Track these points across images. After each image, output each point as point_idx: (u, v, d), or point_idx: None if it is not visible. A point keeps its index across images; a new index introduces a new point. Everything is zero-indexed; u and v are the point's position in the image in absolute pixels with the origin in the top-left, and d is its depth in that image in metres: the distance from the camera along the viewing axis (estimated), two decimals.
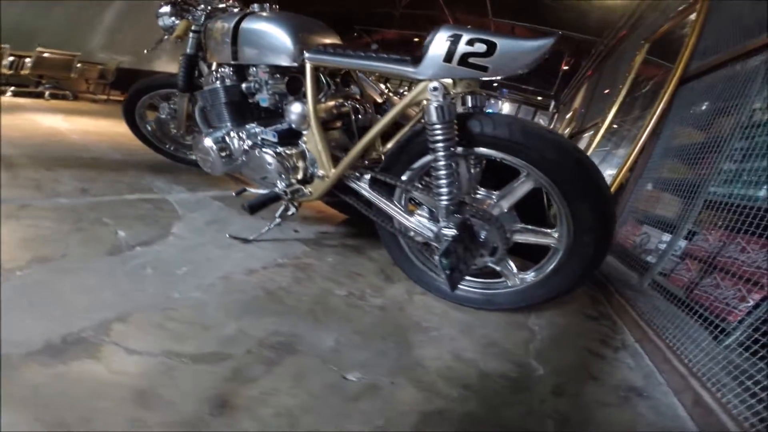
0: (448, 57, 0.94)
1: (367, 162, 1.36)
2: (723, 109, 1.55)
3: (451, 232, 0.96)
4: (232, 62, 1.43)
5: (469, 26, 0.95)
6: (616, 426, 0.88)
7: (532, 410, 0.88)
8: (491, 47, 0.89)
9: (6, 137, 2.31)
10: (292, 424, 0.72)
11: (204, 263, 1.25)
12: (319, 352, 0.94)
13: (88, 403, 0.69)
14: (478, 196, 1.20)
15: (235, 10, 1.57)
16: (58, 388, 0.71)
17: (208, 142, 1.44)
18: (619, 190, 2.22)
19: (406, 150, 1.20)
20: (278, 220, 1.47)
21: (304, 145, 1.37)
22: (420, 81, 1.02)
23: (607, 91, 4.03)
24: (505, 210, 1.15)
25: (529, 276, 1.20)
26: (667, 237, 1.71)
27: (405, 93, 1.19)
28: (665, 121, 2.07)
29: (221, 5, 1.62)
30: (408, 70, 1.03)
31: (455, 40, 0.92)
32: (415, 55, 1.01)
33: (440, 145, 0.99)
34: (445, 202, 1.05)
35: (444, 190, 1.04)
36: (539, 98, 10.30)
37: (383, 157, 1.33)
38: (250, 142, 1.42)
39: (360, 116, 1.45)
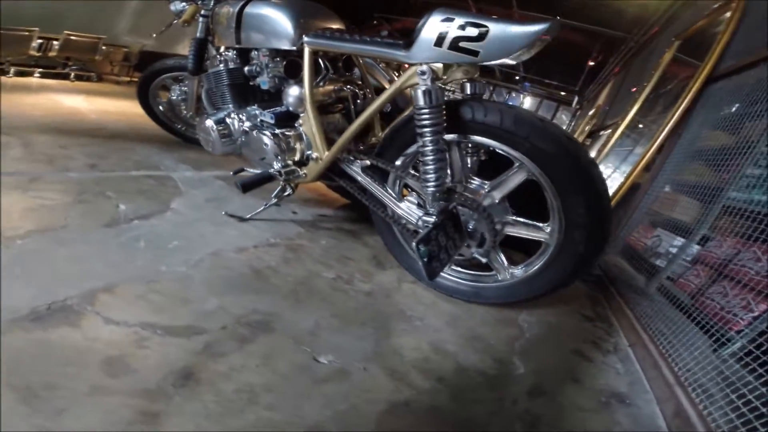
0: (439, 41, 0.91)
1: (362, 147, 1.35)
2: (751, 111, 1.45)
3: (431, 219, 0.93)
4: (236, 46, 1.46)
5: (464, 10, 0.91)
6: None
7: (502, 409, 0.85)
8: (483, 31, 0.85)
9: (28, 116, 2.42)
10: (251, 401, 0.73)
11: (196, 239, 1.27)
12: (294, 333, 0.94)
13: (55, 369, 0.71)
14: (472, 185, 1.17)
15: None
16: (32, 353, 0.73)
17: (209, 122, 1.47)
18: (633, 189, 2.13)
19: (400, 135, 1.18)
20: (274, 200, 1.49)
21: (300, 128, 1.37)
22: (412, 65, 0.99)
23: (634, 90, 3.85)
24: (497, 201, 1.11)
25: (519, 271, 1.17)
26: (679, 241, 1.64)
27: None
28: (688, 120, 1.97)
29: None
30: (399, 54, 1.00)
31: (447, 24, 0.89)
32: (408, 39, 0.99)
33: (427, 130, 0.97)
34: (431, 189, 1.03)
35: (431, 176, 1.01)
36: (562, 93, 9.96)
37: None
38: (249, 124, 1.44)
39: (359, 101, 1.44)
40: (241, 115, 1.46)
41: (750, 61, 1.58)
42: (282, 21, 1.30)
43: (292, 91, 1.34)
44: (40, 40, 4.38)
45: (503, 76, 10.84)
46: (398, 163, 1.23)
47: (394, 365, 0.92)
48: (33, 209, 1.24)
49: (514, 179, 1.08)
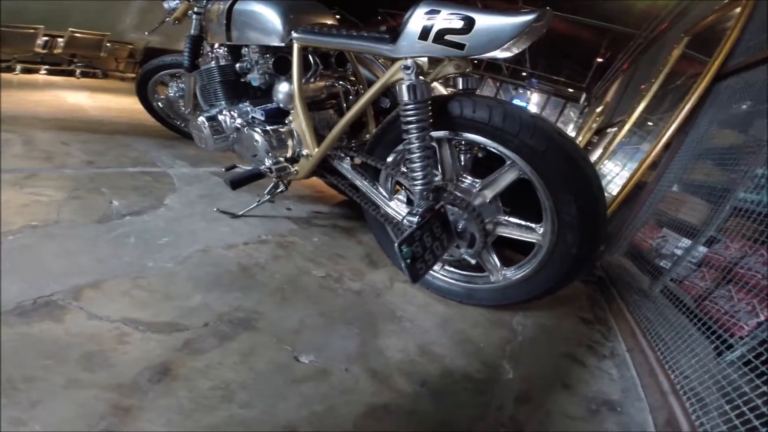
0: (424, 34, 0.88)
1: (353, 144, 1.33)
2: (761, 109, 1.40)
3: (414, 219, 0.91)
4: (227, 43, 1.45)
5: (452, 2, 0.88)
6: None
7: (485, 416, 0.83)
8: (469, 23, 0.82)
9: (32, 112, 2.46)
10: (226, 398, 0.72)
11: (186, 235, 1.27)
12: (276, 331, 0.93)
13: (34, 362, 0.71)
14: (464, 184, 1.14)
15: None
16: (14, 347, 0.73)
17: (201, 119, 1.46)
18: (639, 187, 2.08)
19: (390, 131, 1.16)
20: (267, 197, 1.48)
21: (291, 124, 1.36)
22: (397, 60, 0.97)
23: (643, 87, 3.77)
24: (488, 200, 1.08)
25: (511, 273, 1.13)
26: (685, 242, 1.59)
27: None
28: (696, 118, 1.91)
29: None
30: (384, 48, 0.98)
31: (433, 16, 0.86)
32: (394, 33, 0.96)
33: (413, 126, 0.94)
34: (418, 187, 1.00)
35: (418, 174, 0.99)
36: (570, 90, 9.80)
37: None
38: (241, 121, 1.43)
39: (351, 97, 1.42)
40: (232, 112, 1.46)
41: (760, 58, 1.52)
42: (271, 17, 1.29)
43: (282, 88, 1.33)
44: (45, 38, 4.44)
45: (510, 73, 10.73)
46: (389, 160, 1.21)
47: (377, 367, 0.90)
48: (27, 205, 1.25)
49: (506, 178, 1.05)
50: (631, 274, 1.70)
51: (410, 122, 0.94)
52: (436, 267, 1.24)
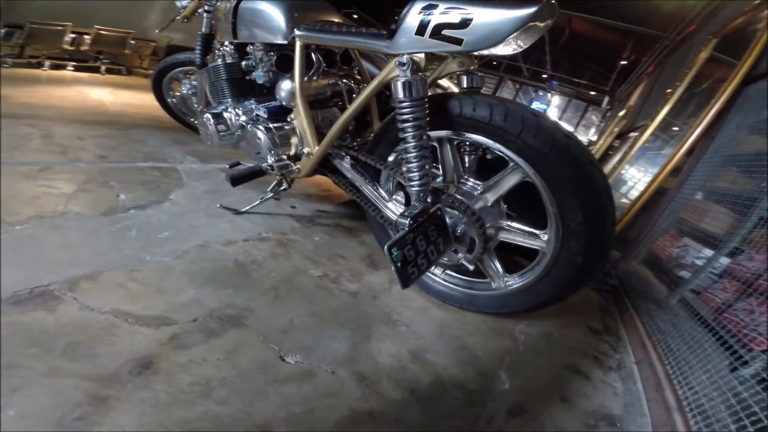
0: (421, 29, 0.85)
1: (355, 143, 1.31)
2: None
3: (406, 221, 0.88)
4: (234, 41, 1.46)
5: None
6: None
7: (474, 428, 0.79)
8: (467, 17, 0.79)
9: (54, 108, 2.55)
10: (204, 394, 0.71)
11: (187, 230, 1.28)
12: (265, 330, 0.92)
13: (20, 350, 0.72)
14: (465, 186, 1.10)
15: None
16: (4, 335, 0.74)
17: (207, 115, 1.47)
18: (659, 194, 1.99)
19: (391, 130, 1.13)
20: (270, 194, 1.48)
21: (293, 122, 1.35)
22: (394, 56, 0.94)
23: (668, 91, 3.62)
24: (490, 204, 1.04)
25: (513, 280, 1.09)
26: (707, 252, 1.51)
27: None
28: (722, 123, 1.81)
29: None
30: (381, 44, 0.95)
31: (430, 10, 0.83)
32: (392, 29, 0.93)
33: (409, 125, 0.91)
34: (415, 188, 0.97)
35: (414, 174, 0.95)
36: (592, 93, 9.51)
37: None
38: (245, 118, 1.43)
39: (354, 95, 1.40)
40: (238, 110, 1.46)
41: None
42: (275, 15, 1.29)
43: (284, 85, 1.33)
44: (72, 35, 4.63)
45: (530, 75, 10.51)
46: (390, 159, 1.18)
47: (365, 371, 0.87)
48: (37, 197, 1.28)
49: (509, 181, 1.00)
50: (648, 283, 1.62)
51: (406, 120, 0.91)
52: (437, 271, 1.21)
